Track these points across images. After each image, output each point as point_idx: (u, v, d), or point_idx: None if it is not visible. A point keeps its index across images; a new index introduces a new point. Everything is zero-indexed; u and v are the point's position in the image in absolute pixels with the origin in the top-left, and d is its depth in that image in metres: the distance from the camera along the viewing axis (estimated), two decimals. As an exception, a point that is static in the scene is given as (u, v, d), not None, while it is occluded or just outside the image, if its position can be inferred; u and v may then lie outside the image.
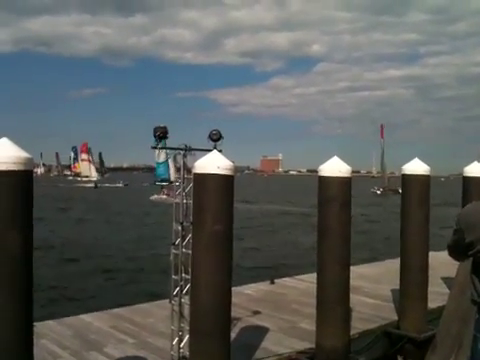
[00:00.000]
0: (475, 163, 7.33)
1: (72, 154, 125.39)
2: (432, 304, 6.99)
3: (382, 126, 75.62)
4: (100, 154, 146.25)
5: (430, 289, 6.93)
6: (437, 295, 7.25)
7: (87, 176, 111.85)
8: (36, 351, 3.70)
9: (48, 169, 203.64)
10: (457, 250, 2.69)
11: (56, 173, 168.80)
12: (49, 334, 6.29)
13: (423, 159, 6.90)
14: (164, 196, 52.07)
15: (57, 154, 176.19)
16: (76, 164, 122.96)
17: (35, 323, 4.42)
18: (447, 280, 7.99)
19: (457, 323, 2.53)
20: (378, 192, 71.50)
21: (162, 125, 5.23)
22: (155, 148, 5.23)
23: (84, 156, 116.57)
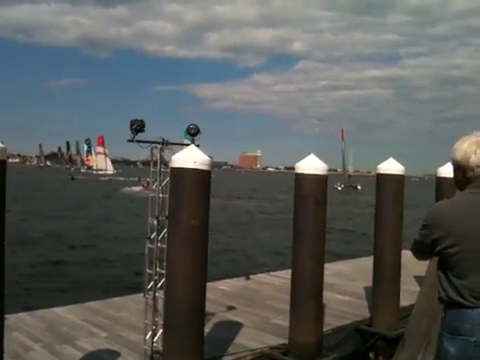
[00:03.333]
0: (449, 164, 7.44)
1: (85, 147, 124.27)
2: (404, 302, 7.09)
3: (342, 130, 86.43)
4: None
5: (402, 287, 7.05)
6: (409, 293, 7.36)
7: (101, 169, 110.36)
8: (7, 343, 3.68)
9: (23, 160, 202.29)
10: (423, 245, 2.74)
11: (41, 164, 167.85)
12: (21, 327, 6.22)
13: (399, 159, 6.98)
14: (138, 188, 51.77)
15: (40, 145, 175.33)
16: (89, 157, 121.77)
17: (6, 315, 4.37)
18: (419, 278, 8.11)
19: (426, 321, 2.58)
20: (339, 188, 77.63)
21: (139, 118, 5.20)
22: (131, 141, 5.20)
23: (100, 149, 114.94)
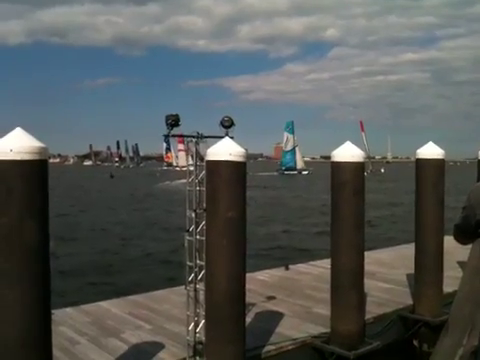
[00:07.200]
0: (490, 146, 7.27)
1: (164, 145, 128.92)
2: (447, 288, 6.96)
3: (361, 122, 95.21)
4: (136, 145, 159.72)
5: (445, 273, 6.92)
6: (452, 279, 7.19)
7: (184, 166, 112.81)
8: (55, 338, 3.78)
9: (63, 160, 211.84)
10: (466, 228, 2.66)
11: (90, 163, 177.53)
12: (67, 321, 6.40)
13: (438, 143, 6.83)
14: (181, 181, 52.62)
15: (91, 146, 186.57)
16: (168, 154, 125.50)
17: (53, 310, 4.51)
18: (462, 264, 7.94)
19: (469, 305, 2.53)
20: (365, 174, 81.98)
21: (174, 113, 5.25)
22: (167, 136, 5.26)
23: (181, 146, 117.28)
